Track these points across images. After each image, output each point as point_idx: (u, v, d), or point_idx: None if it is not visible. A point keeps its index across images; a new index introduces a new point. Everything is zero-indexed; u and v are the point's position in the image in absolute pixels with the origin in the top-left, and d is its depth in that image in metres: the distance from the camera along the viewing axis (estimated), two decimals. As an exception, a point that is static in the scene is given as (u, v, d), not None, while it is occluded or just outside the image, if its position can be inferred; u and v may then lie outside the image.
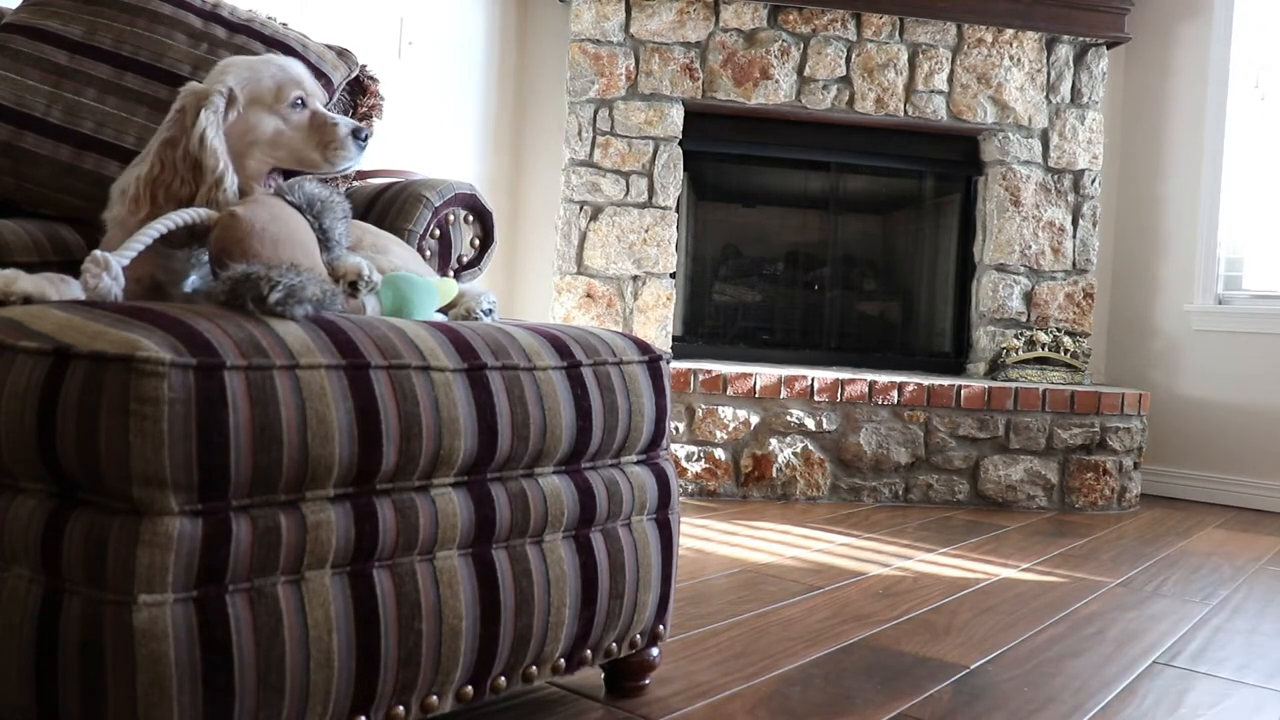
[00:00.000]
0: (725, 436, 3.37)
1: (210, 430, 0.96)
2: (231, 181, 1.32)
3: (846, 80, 3.79)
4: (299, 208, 1.30)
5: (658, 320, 3.74)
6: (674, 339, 3.86)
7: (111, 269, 1.14)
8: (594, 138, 3.72)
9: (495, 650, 1.26)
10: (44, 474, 0.99)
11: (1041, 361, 3.81)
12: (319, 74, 1.84)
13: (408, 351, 1.17)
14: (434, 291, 1.42)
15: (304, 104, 1.40)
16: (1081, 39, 3.91)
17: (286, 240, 1.23)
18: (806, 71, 3.77)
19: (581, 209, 3.72)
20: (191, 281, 1.32)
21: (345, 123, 1.41)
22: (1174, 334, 4.08)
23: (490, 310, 1.52)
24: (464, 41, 3.81)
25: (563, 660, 1.38)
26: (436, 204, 1.88)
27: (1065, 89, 3.92)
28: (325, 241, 1.31)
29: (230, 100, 1.36)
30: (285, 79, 1.40)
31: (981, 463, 3.49)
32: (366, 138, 1.41)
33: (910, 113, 3.83)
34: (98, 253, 1.15)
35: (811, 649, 1.85)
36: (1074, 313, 3.95)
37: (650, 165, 3.73)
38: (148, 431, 0.93)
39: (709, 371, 3.38)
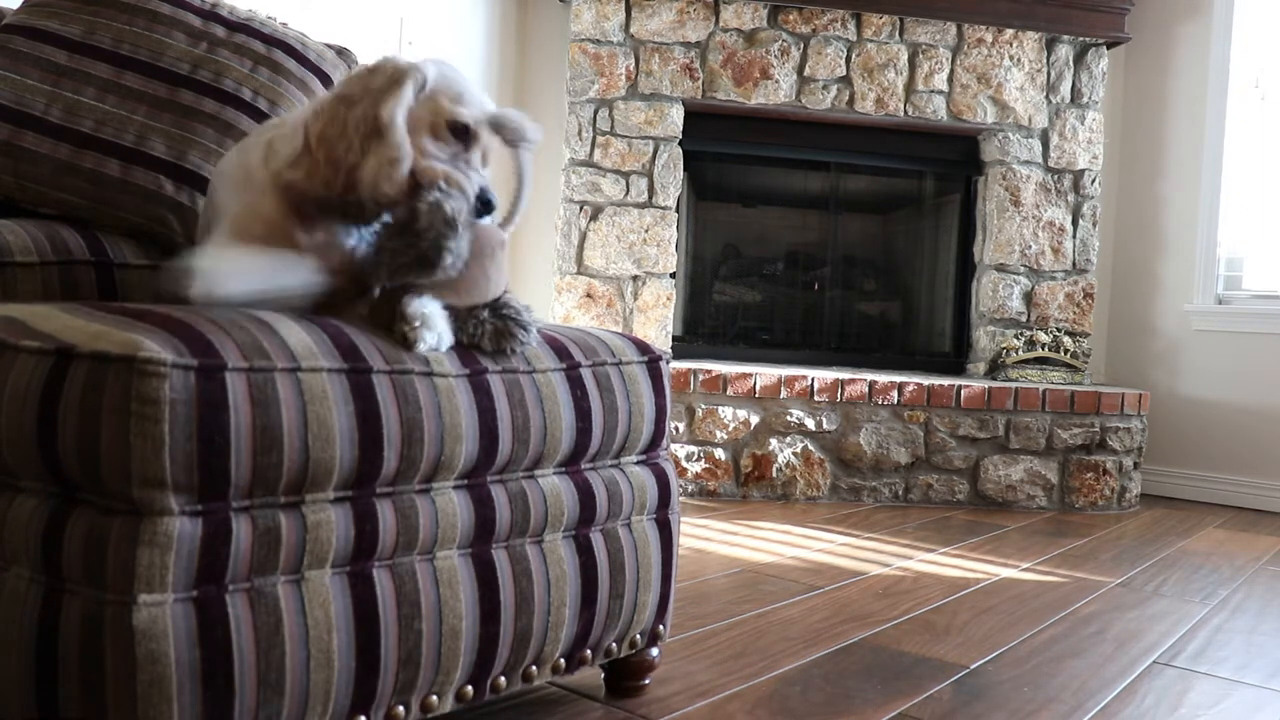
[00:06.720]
0: (725, 436, 3.37)
1: (211, 431, 0.96)
2: (404, 171, 1.14)
3: (846, 80, 3.79)
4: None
5: (658, 320, 3.74)
6: (674, 339, 3.86)
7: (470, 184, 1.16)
8: (594, 138, 3.72)
9: (495, 650, 1.26)
10: (44, 474, 0.99)
11: (1041, 361, 3.81)
12: (319, 73, 1.84)
13: (410, 356, 1.17)
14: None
15: (466, 135, 1.18)
16: (1081, 39, 3.91)
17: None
18: (806, 71, 3.77)
19: (581, 209, 3.72)
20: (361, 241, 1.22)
21: (472, 185, 1.17)
22: (1174, 334, 4.08)
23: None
24: (464, 41, 3.80)
25: (563, 660, 1.38)
26: (437, 204, 1.88)
27: (1065, 89, 3.92)
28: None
29: (420, 88, 1.17)
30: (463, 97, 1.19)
31: (981, 463, 3.49)
32: (484, 203, 1.18)
33: (910, 113, 3.83)
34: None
35: (811, 649, 1.85)
36: (1074, 313, 3.95)
37: (650, 165, 3.73)
38: (148, 432, 0.93)
39: (709, 371, 3.38)
